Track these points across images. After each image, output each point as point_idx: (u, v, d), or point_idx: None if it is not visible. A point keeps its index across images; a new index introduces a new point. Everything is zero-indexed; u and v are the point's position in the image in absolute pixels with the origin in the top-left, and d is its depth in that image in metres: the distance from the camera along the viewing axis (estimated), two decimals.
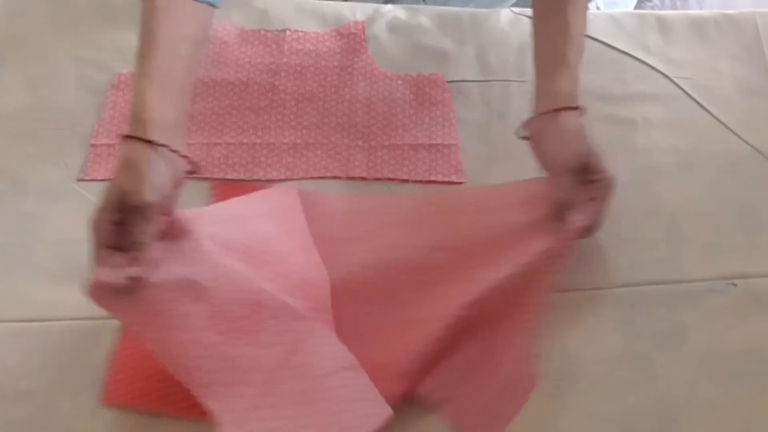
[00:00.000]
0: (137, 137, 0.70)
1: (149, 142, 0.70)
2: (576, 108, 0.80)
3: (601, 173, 0.78)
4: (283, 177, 0.89)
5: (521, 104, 0.94)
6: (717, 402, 0.76)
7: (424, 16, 1.02)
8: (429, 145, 0.92)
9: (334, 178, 0.89)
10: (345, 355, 0.74)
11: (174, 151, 0.71)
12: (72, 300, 0.73)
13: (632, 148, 0.93)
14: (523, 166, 0.83)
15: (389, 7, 1.04)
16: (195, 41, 0.77)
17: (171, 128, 0.72)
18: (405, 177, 0.90)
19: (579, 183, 0.78)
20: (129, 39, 0.98)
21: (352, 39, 0.99)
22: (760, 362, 0.79)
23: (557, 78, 0.81)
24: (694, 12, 1.06)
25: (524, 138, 0.83)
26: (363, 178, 0.89)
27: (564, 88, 0.81)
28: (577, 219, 0.77)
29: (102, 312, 0.69)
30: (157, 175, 0.69)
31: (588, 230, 0.79)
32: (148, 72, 0.73)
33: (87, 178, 0.88)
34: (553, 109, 0.79)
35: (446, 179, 0.89)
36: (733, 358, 0.79)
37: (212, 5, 0.79)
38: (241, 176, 0.89)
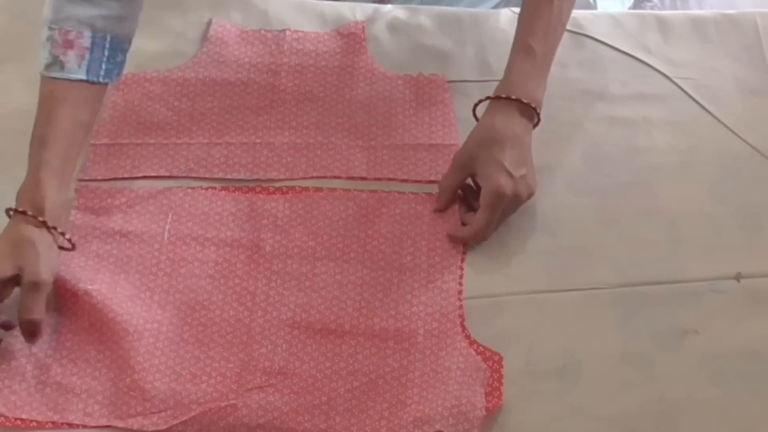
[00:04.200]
0: (34, 217, 0.76)
1: (44, 222, 0.76)
2: (505, 98, 0.83)
3: (483, 179, 0.82)
4: (283, 177, 0.89)
5: None
6: (717, 402, 0.76)
7: (424, 16, 1.02)
8: (429, 145, 0.92)
9: (334, 178, 0.90)
10: None
11: (60, 233, 0.78)
12: None
13: (632, 148, 0.93)
14: None
15: (389, 7, 1.04)
16: (89, 126, 0.83)
17: (61, 209, 0.79)
18: (405, 177, 0.90)
19: (456, 177, 0.85)
20: None
21: (352, 39, 0.99)
22: (760, 362, 0.79)
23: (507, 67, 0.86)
24: (694, 12, 1.06)
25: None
26: (363, 178, 0.90)
27: (506, 79, 0.85)
28: (463, 216, 0.85)
29: None
30: (52, 256, 0.77)
31: (470, 235, 0.84)
32: (48, 160, 0.78)
33: (87, 177, 0.88)
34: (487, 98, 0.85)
35: None
36: (733, 358, 0.79)
37: (108, 83, 0.83)
38: (241, 176, 0.89)
